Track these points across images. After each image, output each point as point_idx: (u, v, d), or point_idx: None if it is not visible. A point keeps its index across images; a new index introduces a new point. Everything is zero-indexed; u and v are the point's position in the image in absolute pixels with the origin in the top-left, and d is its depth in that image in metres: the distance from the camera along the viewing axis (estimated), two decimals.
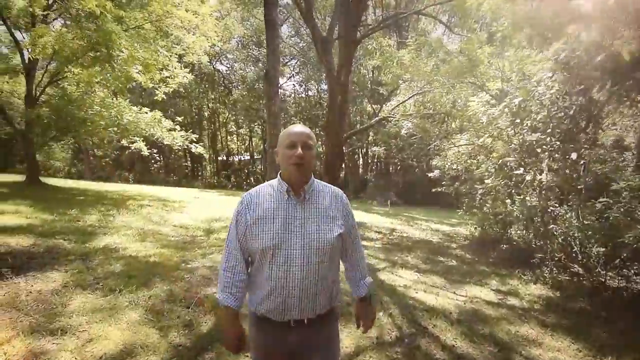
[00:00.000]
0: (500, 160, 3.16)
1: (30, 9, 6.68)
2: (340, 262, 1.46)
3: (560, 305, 3.89)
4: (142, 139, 10.50)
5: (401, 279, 4.58)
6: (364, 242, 6.71)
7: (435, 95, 8.71)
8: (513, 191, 3.08)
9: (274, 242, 1.21)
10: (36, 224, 5.07)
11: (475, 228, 7.57)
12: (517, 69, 5.22)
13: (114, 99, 9.37)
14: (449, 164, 8.36)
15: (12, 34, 8.31)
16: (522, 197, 3.48)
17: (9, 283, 3.06)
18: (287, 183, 1.28)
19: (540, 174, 2.75)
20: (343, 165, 21.91)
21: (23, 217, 5.40)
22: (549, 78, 2.77)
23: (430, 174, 9.58)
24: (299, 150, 1.23)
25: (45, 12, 7.54)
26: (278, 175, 1.33)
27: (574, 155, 2.57)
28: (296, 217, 1.25)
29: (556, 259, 4.50)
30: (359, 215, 10.16)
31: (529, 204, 4.13)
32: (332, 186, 1.39)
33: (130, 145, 10.82)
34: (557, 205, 4.06)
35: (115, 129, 8.67)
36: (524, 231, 5.36)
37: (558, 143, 2.80)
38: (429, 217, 12.11)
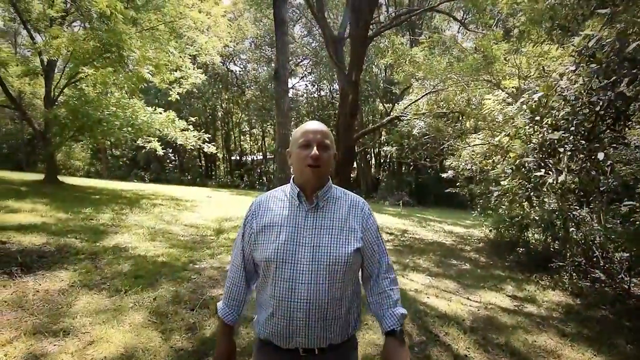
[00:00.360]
0: (518, 161, 2.97)
1: (48, 12, 6.86)
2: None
3: (580, 313, 3.68)
4: (156, 138, 10.68)
5: (412, 283, 4.44)
6: None
7: (449, 94, 8.50)
8: (532, 194, 2.89)
9: (279, 254, 1.07)
10: (50, 222, 5.18)
11: (490, 230, 7.33)
12: (536, 65, 4.98)
13: (130, 99, 9.56)
14: (463, 164, 8.14)
15: (31, 37, 8.60)
16: (540, 199, 3.28)
17: (18, 282, 3.10)
18: (299, 187, 1.14)
19: (560, 175, 2.56)
20: (355, 165, 21.76)
21: (38, 216, 5.54)
22: (572, 72, 2.56)
23: (443, 175, 9.37)
24: (314, 150, 1.08)
25: (62, 15, 7.76)
26: (291, 179, 1.18)
27: (600, 156, 2.37)
28: (307, 227, 1.10)
29: (576, 264, 4.27)
30: None
31: (548, 206, 3.92)
32: (352, 193, 1.23)
33: (145, 145, 11.03)
34: (577, 207, 3.84)
35: (130, 129, 8.84)
36: (542, 234, 5.12)
37: (583, 142, 2.59)
38: (442, 218, 11.85)
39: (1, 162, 18.68)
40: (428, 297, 3.94)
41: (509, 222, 6.18)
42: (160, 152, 11.22)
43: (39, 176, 10.46)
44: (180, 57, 9.18)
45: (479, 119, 8.00)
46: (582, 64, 2.49)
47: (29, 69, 8.52)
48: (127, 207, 7.36)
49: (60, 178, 10.24)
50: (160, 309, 2.97)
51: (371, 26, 8.58)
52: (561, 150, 2.57)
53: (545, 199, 4.31)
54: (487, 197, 6.86)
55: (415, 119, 8.31)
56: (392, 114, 9.16)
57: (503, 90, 6.92)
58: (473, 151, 7.86)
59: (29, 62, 8.36)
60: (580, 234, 4.02)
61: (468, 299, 4.00)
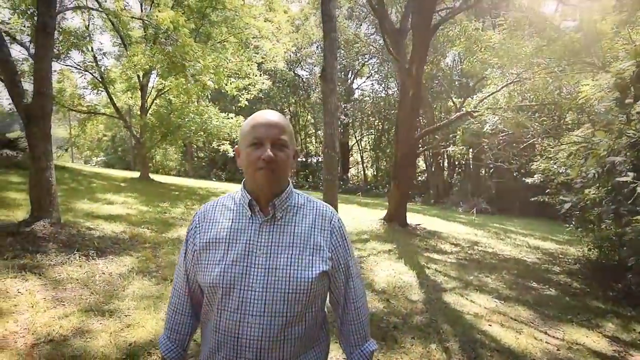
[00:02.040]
0: (605, 162, 2.18)
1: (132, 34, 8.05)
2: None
3: None
4: (228, 142, 11.67)
5: (472, 305, 3.77)
6: (435, 255, 5.86)
7: (537, 83, 7.17)
8: (622, 208, 2.08)
9: (225, 278, 0.87)
10: (132, 214, 5.99)
11: (590, 249, 5.92)
12: None
13: (207, 106, 10.64)
14: (555, 167, 6.72)
15: None
16: None
17: (91, 263, 3.60)
18: (251, 195, 0.93)
19: None
20: (424, 168, 20.32)
21: (126, 208, 6.47)
22: None
23: (527, 180, 7.96)
24: (268, 151, 0.87)
25: (154, 36, 9.07)
26: (242, 184, 0.99)
27: None
28: (260, 244, 0.90)
29: None
30: (435, 224, 9.10)
31: None
32: (318, 201, 1.02)
33: (219, 147, 12.16)
34: None
35: (202, 133, 9.82)
36: None
37: None
38: (528, 230, 10.13)
39: (116, 162, 23.07)
40: (490, 325, 3.29)
41: (616, 240, 4.87)
42: (231, 153, 12.19)
43: (137, 174, 12.38)
44: (248, 65, 9.83)
45: (576, 111, 6.56)
46: None
47: (130, 85, 10.26)
48: (197, 203, 8.13)
49: (152, 176, 11.94)
50: None
51: (439, 13, 7.82)
52: None
53: None
54: (584, 208, 5.56)
55: (489, 114, 7.26)
56: (463, 109, 8.19)
57: (613, 75, 5.50)
58: (570, 151, 6.45)
59: (130, 79, 10.07)
60: None
61: (546, 333, 3.21)
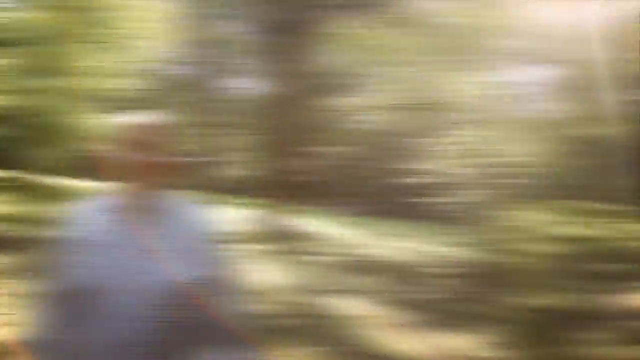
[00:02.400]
0: (487, 163, 2.33)
1: None
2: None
3: None
4: (104, 142, 10.81)
5: (350, 308, 3.61)
6: (312, 257, 5.60)
7: (417, 81, 7.24)
8: (501, 211, 2.15)
9: (98, 282, 0.83)
10: (9, 213, 5.46)
11: (474, 252, 5.58)
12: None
13: (85, 107, 9.86)
14: (436, 167, 7.04)
15: None
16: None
17: None
18: (124, 197, 0.91)
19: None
20: (304, 169, 20.54)
21: (3, 206, 5.84)
22: None
23: (408, 180, 8.34)
24: (141, 153, 0.85)
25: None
26: (117, 186, 0.95)
27: None
28: (132, 247, 0.86)
29: None
30: (314, 225, 8.68)
31: None
32: (194, 204, 1.01)
33: (95, 147, 11.16)
34: None
35: (76, 133, 9.14)
36: None
37: None
38: (410, 232, 9.36)
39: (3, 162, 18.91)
40: (366, 329, 3.16)
41: (497, 243, 4.73)
42: (107, 154, 11.51)
43: (17, 174, 10.37)
44: (126, 65, 9.42)
45: (457, 109, 6.54)
46: None
47: (8, 86, 8.79)
48: (74, 203, 7.24)
49: (31, 176, 10.44)
50: None
51: (315, 11, 7.47)
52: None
53: None
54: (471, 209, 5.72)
55: (369, 113, 7.83)
56: (344, 108, 8.64)
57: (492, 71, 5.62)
58: (451, 151, 6.78)
59: (9, 80, 8.73)
60: None
61: (426, 338, 3.12)
